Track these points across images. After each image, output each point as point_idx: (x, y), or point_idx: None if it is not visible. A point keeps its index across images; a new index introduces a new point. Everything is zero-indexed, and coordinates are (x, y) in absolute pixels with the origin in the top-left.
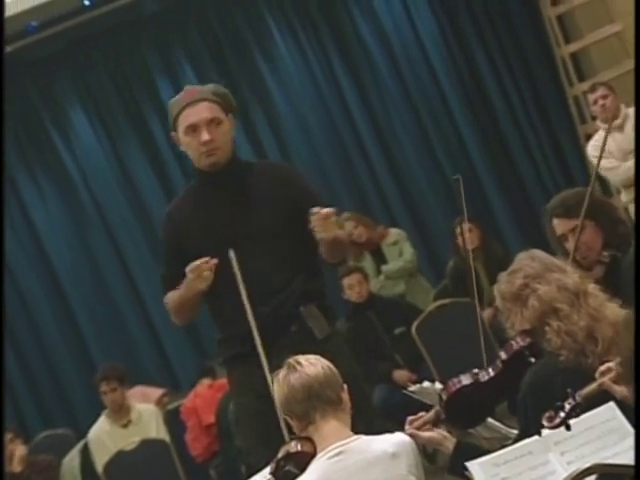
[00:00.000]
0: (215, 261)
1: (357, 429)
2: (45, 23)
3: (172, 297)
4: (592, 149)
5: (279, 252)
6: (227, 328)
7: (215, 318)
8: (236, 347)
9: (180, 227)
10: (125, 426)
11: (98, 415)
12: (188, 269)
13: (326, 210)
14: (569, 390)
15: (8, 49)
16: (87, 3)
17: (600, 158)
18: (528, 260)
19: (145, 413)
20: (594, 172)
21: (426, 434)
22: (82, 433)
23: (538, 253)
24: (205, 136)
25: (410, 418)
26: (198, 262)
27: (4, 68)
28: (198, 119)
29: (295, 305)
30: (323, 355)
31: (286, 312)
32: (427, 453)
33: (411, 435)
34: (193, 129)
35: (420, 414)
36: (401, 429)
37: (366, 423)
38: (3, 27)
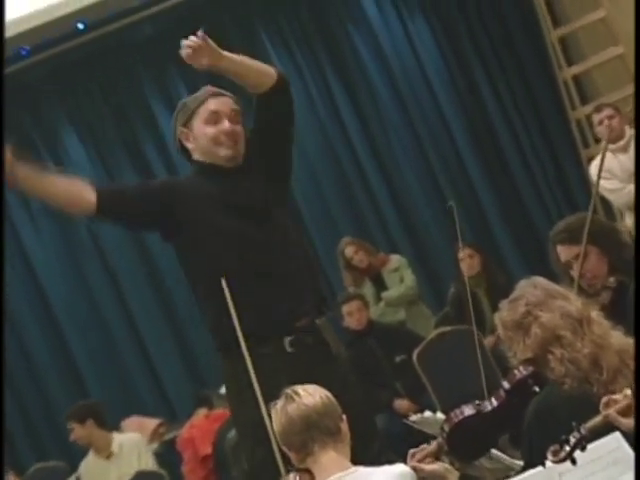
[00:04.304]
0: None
1: (363, 458)
2: (38, 47)
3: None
4: (595, 169)
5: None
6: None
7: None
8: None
9: (186, 197)
10: (108, 457)
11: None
12: None
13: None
14: (574, 423)
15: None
16: (81, 27)
17: (599, 175)
18: (530, 287)
19: (126, 444)
20: (594, 190)
21: (429, 467)
22: (75, 466)
23: (540, 280)
24: (227, 125)
25: (412, 451)
26: None
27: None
28: (224, 107)
29: (311, 315)
30: (335, 374)
31: (303, 323)
32: None
33: (414, 468)
34: (216, 118)
35: (422, 446)
36: (402, 460)
37: (377, 449)
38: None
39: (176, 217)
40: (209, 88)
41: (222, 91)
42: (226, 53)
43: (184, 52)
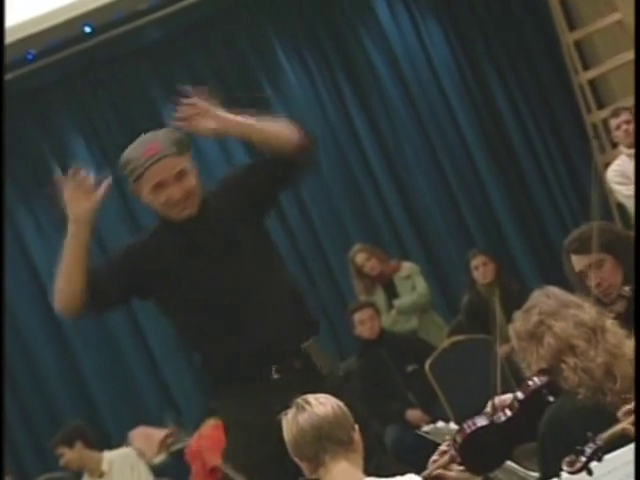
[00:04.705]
0: (109, 180)
1: (365, 471)
2: (44, 51)
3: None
4: (612, 174)
5: (258, 274)
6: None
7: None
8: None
9: (151, 258)
10: (100, 477)
11: None
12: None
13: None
14: (589, 434)
15: (6, 77)
16: (88, 30)
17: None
18: (543, 297)
19: (116, 460)
20: (594, 195)
21: (452, 474)
22: (80, 476)
23: (553, 290)
24: (177, 194)
25: (434, 458)
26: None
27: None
28: (165, 174)
29: (295, 340)
30: (327, 392)
31: (287, 349)
32: None
33: (438, 476)
34: (162, 187)
35: (440, 448)
36: (414, 470)
37: (375, 464)
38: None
39: (145, 282)
40: (146, 149)
41: (160, 152)
42: (233, 117)
43: (183, 121)
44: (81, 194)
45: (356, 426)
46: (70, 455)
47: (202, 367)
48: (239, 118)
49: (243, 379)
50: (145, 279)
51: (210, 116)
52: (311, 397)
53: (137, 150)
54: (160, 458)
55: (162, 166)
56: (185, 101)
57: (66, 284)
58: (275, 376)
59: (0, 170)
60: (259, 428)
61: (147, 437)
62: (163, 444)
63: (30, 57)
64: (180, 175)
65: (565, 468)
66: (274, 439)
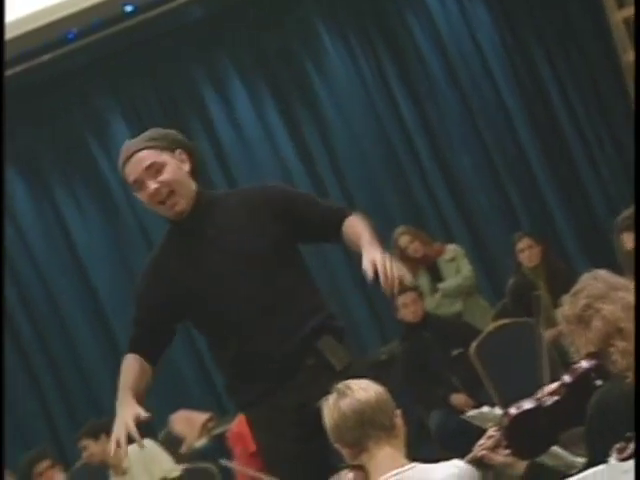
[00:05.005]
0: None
1: (407, 456)
2: (85, 30)
3: (126, 374)
4: None
5: (275, 283)
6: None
7: (220, 362)
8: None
9: (168, 280)
10: (123, 475)
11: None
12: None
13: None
14: None
15: (46, 57)
16: (129, 9)
17: None
18: (591, 280)
19: (131, 457)
20: None
21: (498, 457)
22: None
23: (602, 273)
24: (151, 186)
25: (479, 443)
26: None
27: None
28: (137, 173)
29: (308, 338)
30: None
31: (300, 347)
32: None
33: (483, 457)
34: (139, 185)
35: (488, 433)
36: (457, 456)
37: (417, 449)
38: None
39: (174, 304)
40: (123, 149)
41: (131, 149)
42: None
43: None
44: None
45: (398, 411)
46: (94, 448)
47: (222, 371)
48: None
49: (258, 378)
50: (173, 300)
51: None
52: (352, 382)
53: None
54: (201, 442)
55: (132, 164)
56: None
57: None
58: (286, 374)
59: (0, 170)
60: (278, 426)
61: (188, 421)
62: (204, 428)
63: (71, 36)
64: (152, 169)
65: (614, 455)
66: (292, 437)
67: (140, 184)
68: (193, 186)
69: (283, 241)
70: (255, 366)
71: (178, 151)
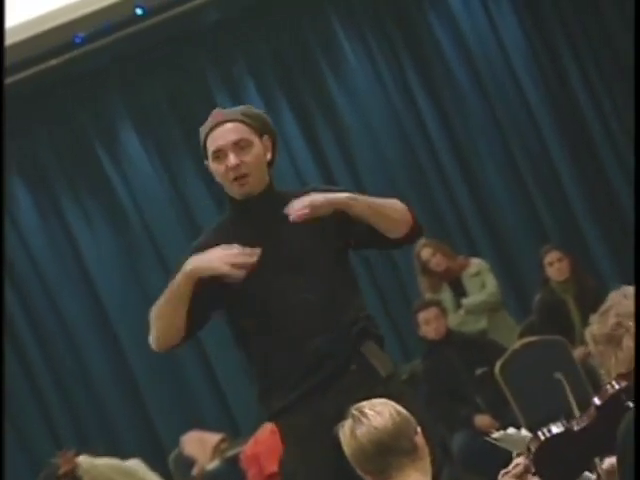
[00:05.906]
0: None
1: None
2: (93, 34)
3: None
4: None
5: (326, 285)
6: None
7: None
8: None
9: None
10: None
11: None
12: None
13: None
14: None
15: (53, 62)
16: (139, 12)
17: None
18: (620, 297)
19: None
20: None
21: None
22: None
23: (631, 290)
24: (232, 160)
25: (504, 471)
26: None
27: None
28: (224, 142)
29: (353, 342)
30: (387, 396)
31: (344, 351)
32: None
33: None
34: (220, 154)
35: (515, 461)
36: (481, 479)
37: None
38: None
39: (218, 290)
40: (213, 117)
41: (224, 116)
42: (352, 197)
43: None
44: (230, 257)
45: (419, 429)
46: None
47: (256, 374)
48: (366, 198)
49: (297, 383)
50: (218, 286)
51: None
52: (367, 406)
53: (207, 122)
54: (214, 464)
55: (223, 131)
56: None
57: (169, 327)
58: (329, 378)
59: (0, 170)
60: (315, 434)
61: (200, 442)
62: (217, 449)
63: (78, 40)
64: (238, 144)
65: None
66: (331, 445)
67: (222, 154)
68: (267, 177)
69: (338, 244)
70: (294, 369)
71: (265, 137)
